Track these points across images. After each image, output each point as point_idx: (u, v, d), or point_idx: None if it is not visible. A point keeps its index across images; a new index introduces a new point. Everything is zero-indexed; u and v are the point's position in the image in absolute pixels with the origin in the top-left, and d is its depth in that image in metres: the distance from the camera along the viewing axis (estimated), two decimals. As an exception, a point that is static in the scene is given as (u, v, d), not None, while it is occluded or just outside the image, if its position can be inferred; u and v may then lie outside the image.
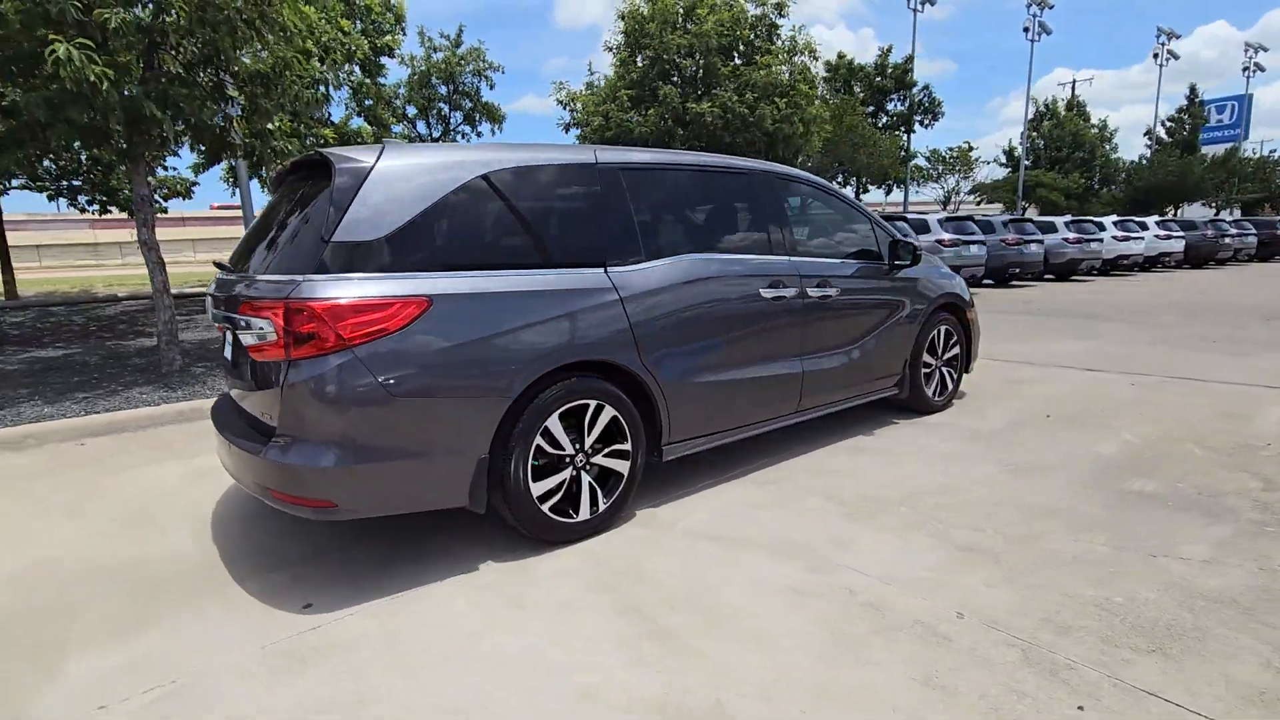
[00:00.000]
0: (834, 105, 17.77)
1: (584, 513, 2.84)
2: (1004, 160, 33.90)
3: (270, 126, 7.42)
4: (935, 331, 4.55)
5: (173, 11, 5.73)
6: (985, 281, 15.79)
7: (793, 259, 3.63)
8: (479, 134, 18.12)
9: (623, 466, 2.95)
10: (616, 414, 2.89)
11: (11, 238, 14.86)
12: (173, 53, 5.95)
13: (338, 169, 2.43)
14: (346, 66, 14.17)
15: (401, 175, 2.49)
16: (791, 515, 3.06)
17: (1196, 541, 2.67)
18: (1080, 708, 1.77)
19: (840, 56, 24.69)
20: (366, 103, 14.96)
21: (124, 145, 6.14)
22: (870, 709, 1.81)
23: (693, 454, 3.34)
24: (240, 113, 7.02)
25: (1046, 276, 17.76)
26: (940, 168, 29.35)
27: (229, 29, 6.01)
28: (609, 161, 3.04)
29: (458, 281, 2.49)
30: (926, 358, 4.52)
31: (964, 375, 4.94)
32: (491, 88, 17.10)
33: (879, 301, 4.13)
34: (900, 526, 2.90)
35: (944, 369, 4.70)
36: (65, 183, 10.85)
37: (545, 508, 2.72)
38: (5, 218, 13.25)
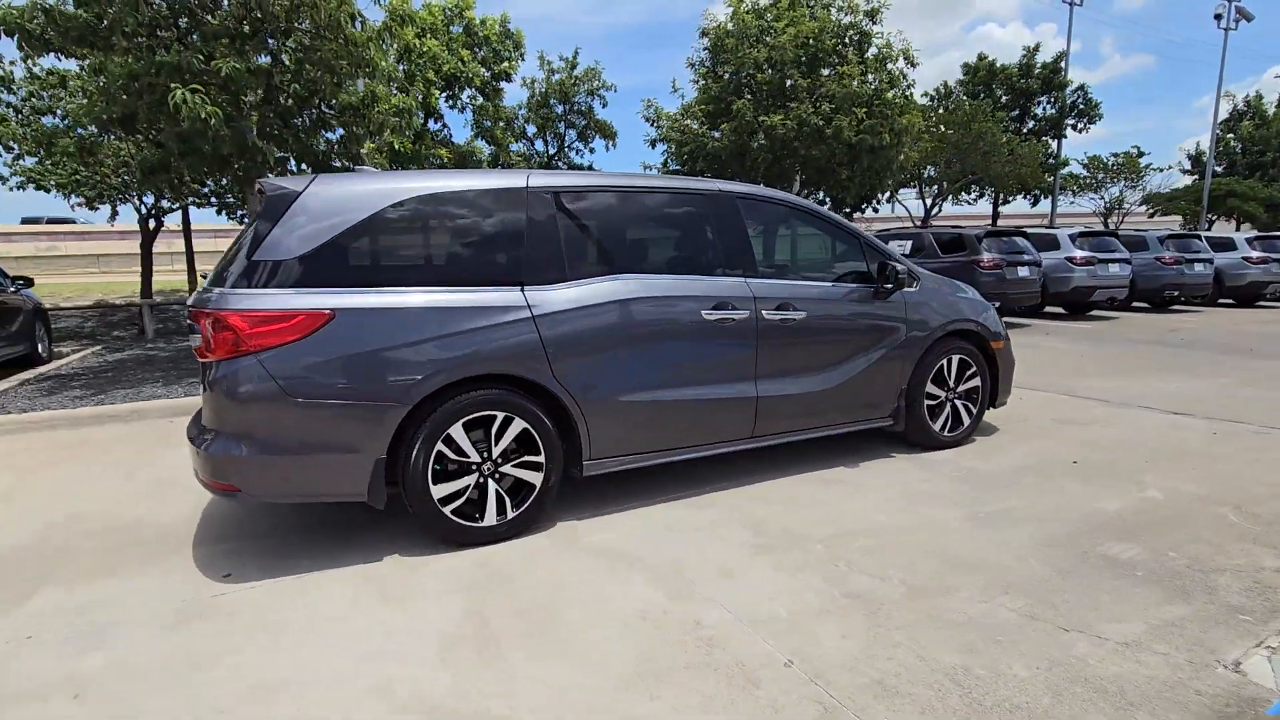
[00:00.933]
0: (955, 112, 16.49)
1: (490, 519, 2.98)
2: (1188, 166, 29.51)
3: (363, 149, 8.30)
4: (944, 361, 4.19)
5: (283, 58, 6.66)
6: (1135, 304, 13.96)
7: (748, 280, 3.55)
8: (592, 150, 18.89)
9: (535, 478, 3.06)
10: (527, 426, 3.01)
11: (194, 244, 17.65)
12: (282, 93, 6.90)
13: (268, 197, 2.78)
14: (469, 91, 15.45)
15: (323, 202, 2.79)
16: (701, 541, 3.00)
17: (1132, 620, 2.30)
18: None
19: (981, 58, 22.83)
20: (485, 124, 16.13)
21: (240, 172, 7.20)
22: (619, 741, 1.79)
23: (633, 470, 3.39)
24: (338, 138, 7.95)
25: (1223, 301, 15.33)
26: (1101, 176, 26.12)
27: (328, 71, 6.86)
28: (540, 185, 3.17)
29: (363, 297, 2.75)
30: (932, 389, 4.17)
31: (988, 409, 4.49)
32: (604, 105, 17.70)
33: (860, 326, 3.89)
34: (800, 565, 2.75)
35: (958, 402, 4.31)
36: (228, 198, 12.81)
37: (448, 510, 2.90)
38: (192, 228, 15.80)
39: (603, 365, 3.14)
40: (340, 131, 7.86)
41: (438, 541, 2.97)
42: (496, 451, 2.97)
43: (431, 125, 15.06)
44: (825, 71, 9.14)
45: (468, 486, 2.93)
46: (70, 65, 7.59)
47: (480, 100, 15.76)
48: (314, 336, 2.65)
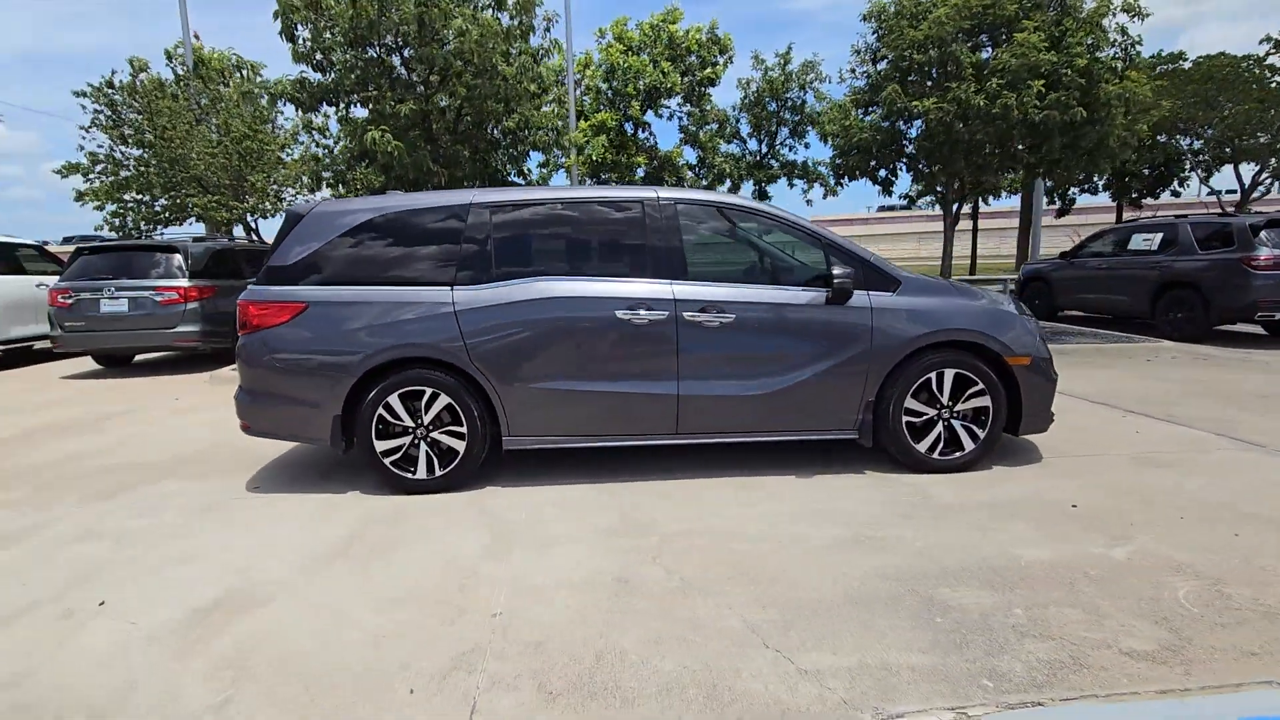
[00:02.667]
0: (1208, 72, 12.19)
1: (421, 473, 3.71)
2: None
3: (534, 164, 9.65)
4: (931, 376, 3.77)
5: (455, 96, 8.21)
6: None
7: (673, 282, 3.70)
8: (806, 145, 18.52)
9: (460, 445, 3.70)
10: (451, 402, 3.66)
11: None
12: (449, 126, 8.49)
13: (286, 217, 3.84)
14: (675, 99, 16.39)
15: (316, 221, 3.76)
16: (565, 518, 3.35)
17: (849, 654, 2.14)
18: None
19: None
20: (691, 129, 16.92)
21: (438, 188, 8.98)
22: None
23: (594, 450, 3.84)
24: (508, 157, 9.40)
25: None
26: None
27: (492, 104, 8.26)
28: (481, 201, 3.78)
29: (328, 292, 3.66)
30: (913, 404, 3.79)
31: (1006, 436, 3.88)
32: (820, 100, 17.23)
33: (805, 331, 3.72)
34: (615, 550, 2.97)
35: (957, 423, 3.83)
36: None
37: (387, 461, 3.69)
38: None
39: (516, 355, 3.64)
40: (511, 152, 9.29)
41: (382, 486, 3.79)
42: (426, 420, 3.68)
43: (640, 135, 16.36)
44: (1003, 43, 7.91)
45: (403, 445, 3.69)
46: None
47: (688, 107, 16.61)
48: (294, 320, 3.63)
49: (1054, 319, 11.60)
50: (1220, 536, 2.93)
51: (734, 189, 19.45)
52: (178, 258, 8.40)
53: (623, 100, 14.51)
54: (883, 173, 9.46)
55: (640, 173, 15.59)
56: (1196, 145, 18.21)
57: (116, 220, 11.73)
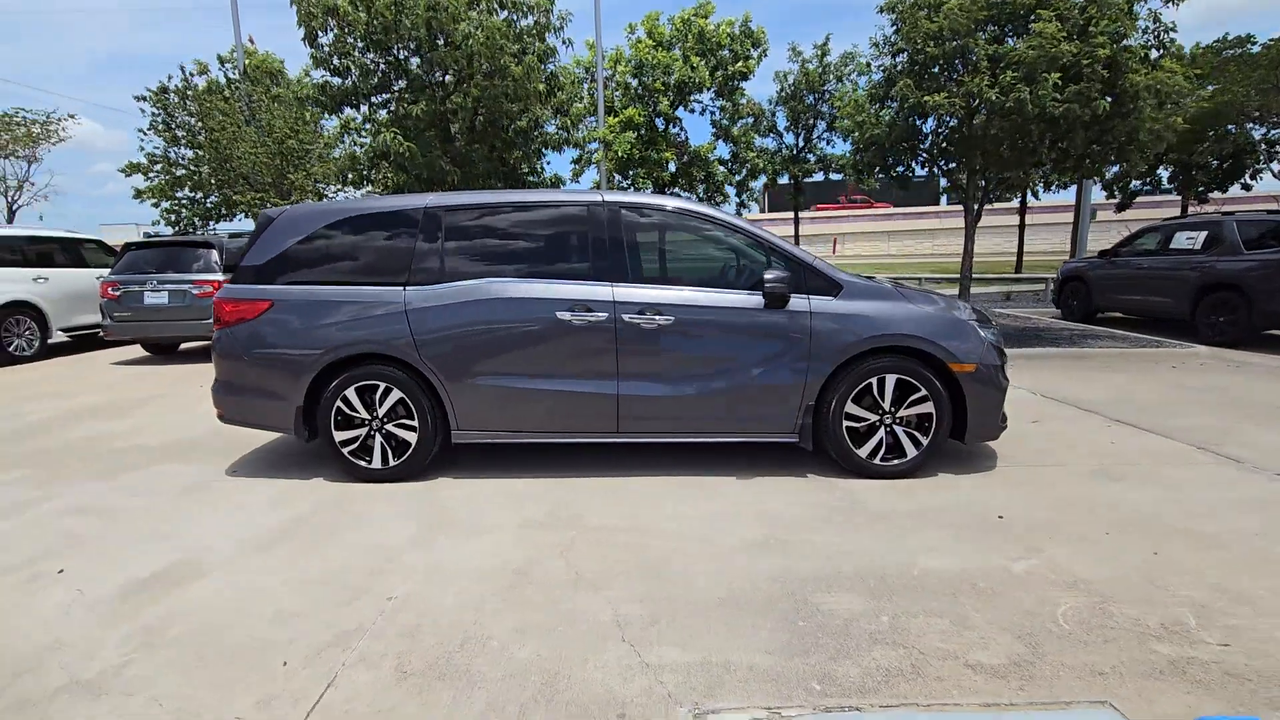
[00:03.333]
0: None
1: (376, 463, 3.94)
2: None
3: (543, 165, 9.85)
4: (873, 381, 3.76)
5: (469, 96, 8.47)
6: None
7: (614, 284, 3.80)
8: (844, 139, 18.14)
9: (411, 437, 3.92)
10: (403, 396, 3.87)
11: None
12: (463, 125, 8.75)
13: (259, 220, 4.12)
14: (708, 94, 16.30)
15: (287, 223, 4.03)
16: (497, 510, 3.51)
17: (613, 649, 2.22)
18: None
19: None
20: (724, 123, 16.79)
21: (450, 187, 9.28)
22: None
23: (550, 446, 4.00)
24: (523, 155, 9.61)
25: None
26: None
27: (510, 100, 8.49)
28: (434, 205, 3.96)
29: (292, 291, 3.91)
30: (856, 410, 3.78)
31: (943, 442, 3.82)
32: (840, 95, 16.84)
33: (743, 334, 3.76)
34: (530, 542, 3.11)
35: (899, 429, 3.80)
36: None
37: (346, 451, 3.94)
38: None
39: (462, 353, 3.82)
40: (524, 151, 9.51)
41: (341, 474, 4.04)
42: (381, 413, 3.91)
43: (672, 130, 16.36)
44: (1023, 34, 7.58)
45: (359, 436, 3.93)
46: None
47: (720, 101, 16.50)
48: (261, 317, 3.91)
49: (1092, 321, 11.10)
50: (1137, 554, 2.85)
51: (770, 184, 19.24)
52: (214, 253, 8.97)
53: (651, 96, 14.55)
54: (899, 169, 9.23)
55: (671, 168, 15.61)
56: (1273, 135, 16.96)
57: (171, 216, 12.55)
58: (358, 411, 3.90)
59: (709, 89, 15.67)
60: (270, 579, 2.83)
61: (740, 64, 15.61)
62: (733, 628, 2.37)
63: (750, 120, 17.64)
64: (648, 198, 4.04)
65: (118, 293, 8.86)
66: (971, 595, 2.54)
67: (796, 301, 3.77)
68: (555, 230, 3.95)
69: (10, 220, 21.04)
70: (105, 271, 10.33)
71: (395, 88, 8.52)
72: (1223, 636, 2.24)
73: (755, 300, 3.77)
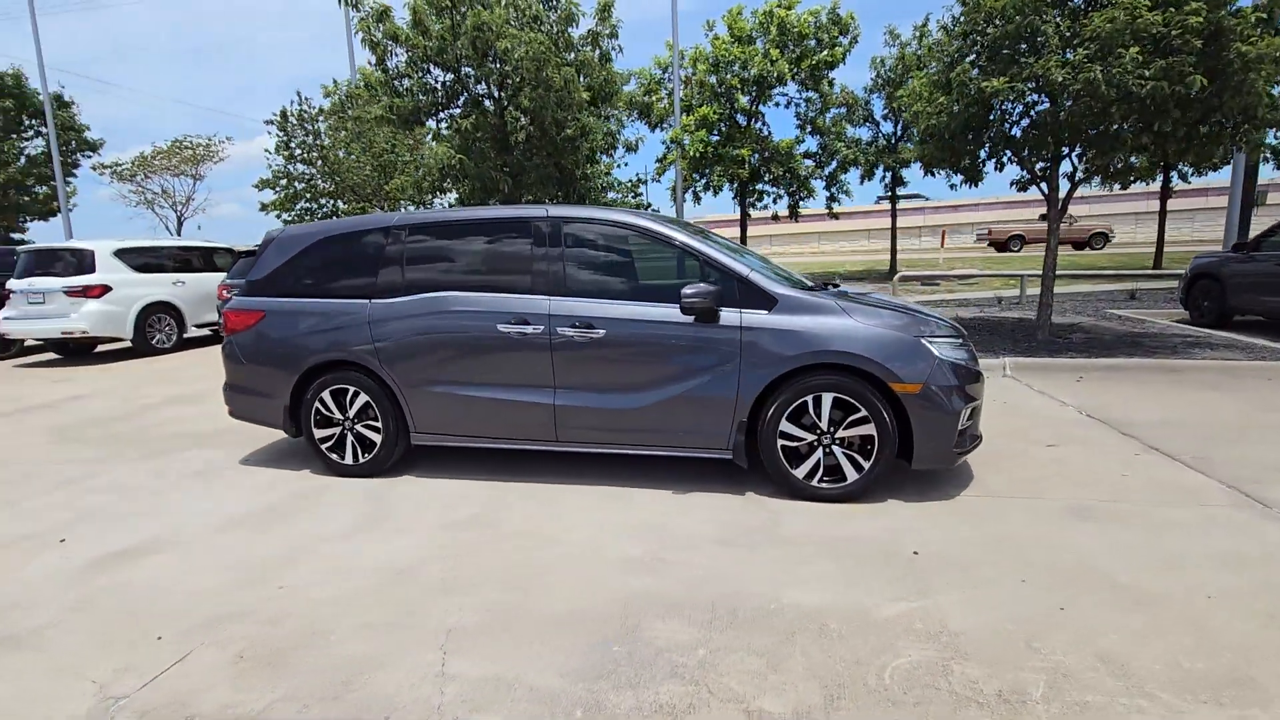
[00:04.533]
0: None
1: (349, 459, 4.32)
2: None
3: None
4: (809, 399, 3.57)
5: (520, 108, 8.86)
6: None
7: (551, 298, 3.88)
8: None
9: (377, 437, 4.25)
10: (369, 400, 4.21)
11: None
12: (522, 136, 9.14)
13: (264, 239, 4.62)
14: (792, 86, 15.77)
15: (284, 241, 4.49)
16: (430, 511, 3.73)
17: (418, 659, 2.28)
18: None
19: None
20: (810, 115, 16.14)
21: (515, 197, 9.71)
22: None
23: (452, 447, 4.23)
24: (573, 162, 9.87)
25: None
26: None
27: (559, 109, 8.80)
28: (400, 222, 4.25)
29: (281, 303, 4.36)
30: (792, 429, 3.62)
31: (884, 466, 3.55)
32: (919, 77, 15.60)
33: (673, 348, 3.70)
34: (433, 542, 3.30)
35: (838, 451, 3.60)
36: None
37: (324, 447, 4.35)
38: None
39: (415, 361, 4.08)
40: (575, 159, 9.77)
41: (322, 469, 4.46)
42: (351, 414, 4.27)
43: (755, 125, 15.99)
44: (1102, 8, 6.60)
45: (334, 434, 4.32)
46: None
47: (806, 93, 15.92)
48: (256, 326, 4.40)
49: (1225, 325, 9.59)
50: (1039, 607, 2.54)
51: (865, 176, 18.29)
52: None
53: (728, 92, 14.31)
54: (969, 162, 8.45)
55: (751, 164, 15.29)
56: None
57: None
58: (333, 412, 4.29)
59: (791, 81, 15.14)
60: (210, 558, 3.22)
61: (826, 53, 14.93)
62: (550, 645, 2.41)
63: (843, 110, 16.84)
64: (591, 211, 4.09)
65: (229, 295, 10.17)
66: (811, 636, 2.40)
67: (729, 315, 3.67)
68: (503, 245, 4.10)
69: (179, 231, 24.74)
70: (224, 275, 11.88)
71: (458, 104, 9.08)
72: (1059, 714, 1.97)
73: (690, 314, 3.71)
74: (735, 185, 16.04)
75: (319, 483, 4.26)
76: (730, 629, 2.47)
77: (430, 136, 9.90)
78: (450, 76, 8.97)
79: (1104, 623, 2.43)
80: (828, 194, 17.11)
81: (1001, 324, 10.18)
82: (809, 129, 16.21)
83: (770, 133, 15.97)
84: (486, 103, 9.04)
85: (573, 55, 8.80)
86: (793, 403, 3.60)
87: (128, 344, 10.50)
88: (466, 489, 4.05)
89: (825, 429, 3.60)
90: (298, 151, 13.53)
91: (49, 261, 10.26)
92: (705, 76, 14.55)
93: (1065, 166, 8.20)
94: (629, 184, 16.06)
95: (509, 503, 3.81)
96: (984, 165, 8.47)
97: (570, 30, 8.89)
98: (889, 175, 17.37)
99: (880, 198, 19.67)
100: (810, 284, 4.13)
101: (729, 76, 14.26)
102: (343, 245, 4.37)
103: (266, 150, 14.22)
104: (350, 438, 4.30)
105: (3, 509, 4.01)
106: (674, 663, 2.28)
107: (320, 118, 13.56)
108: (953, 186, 9.11)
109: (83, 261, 10.20)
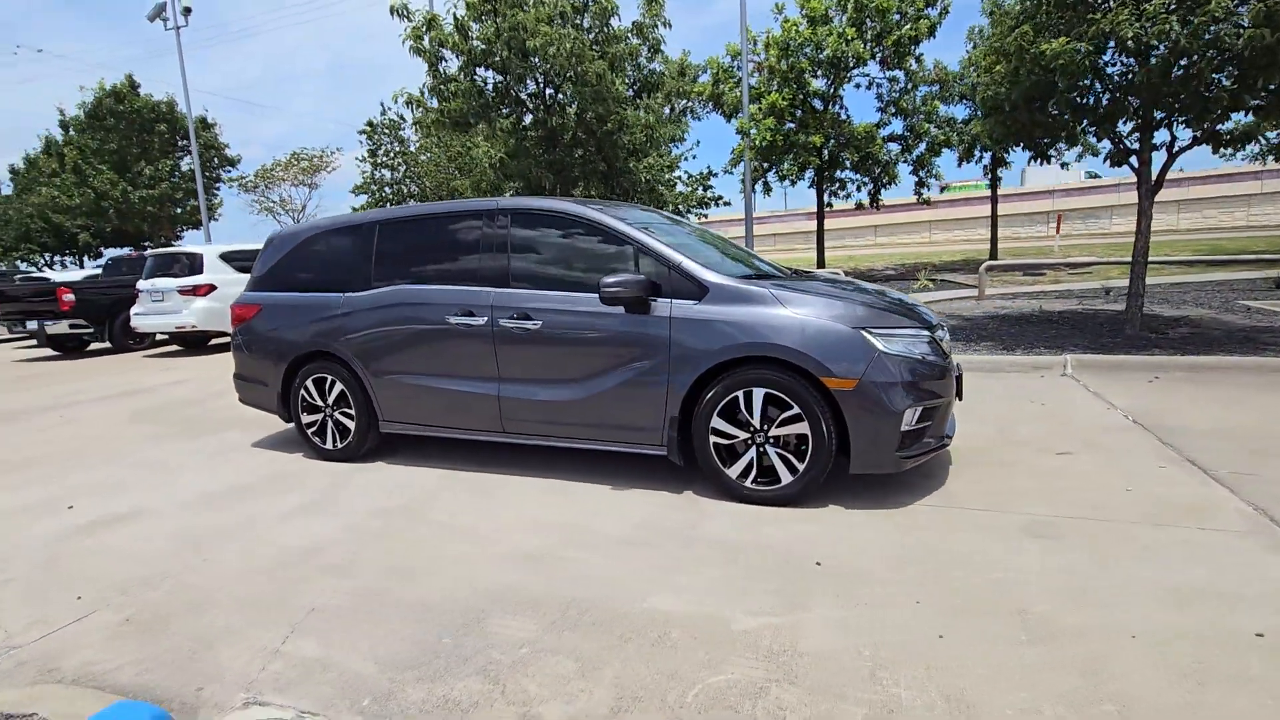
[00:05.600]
0: None
1: (329, 444, 4.58)
2: None
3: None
4: (739, 394, 3.36)
5: (562, 106, 8.99)
6: None
7: (495, 289, 3.90)
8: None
9: (351, 425, 4.48)
10: (344, 389, 4.44)
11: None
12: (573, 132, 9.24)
13: (268, 237, 4.98)
14: (873, 67, 14.84)
15: (281, 239, 4.82)
16: (375, 496, 3.87)
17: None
18: None
19: None
20: (893, 95, 15.10)
21: (557, 192, 9.89)
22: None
23: (416, 436, 4.37)
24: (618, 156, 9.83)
25: None
26: None
27: (595, 103, 8.87)
28: (372, 220, 4.44)
29: (274, 296, 4.69)
30: (724, 426, 3.42)
31: (821, 469, 3.25)
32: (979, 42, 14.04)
33: (603, 340, 3.59)
34: (351, 529, 3.42)
35: (771, 450, 3.35)
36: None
37: (309, 432, 4.64)
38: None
39: (378, 352, 4.25)
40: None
41: (313, 453, 4.75)
42: (330, 402, 4.52)
43: (833, 109, 15.22)
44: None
45: (317, 420, 4.59)
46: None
47: (889, 72, 14.96)
48: (254, 318, 4.76)
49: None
50: (916, 635, 2.23)
51: (964, 158, 16.90)
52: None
53: (799, 77, 13.65)
54: (1044, 139, 7.49)
55: (825, 152, 14.57)
56: None
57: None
58: (316, 400, 4.57)
59: (871, 60, 14.23)
60: (167, 529, 3.53)
61: (910, 27, 13.88)
62: (389, 632, 2.43)
63: (935, 88, 15.65)
64: (536, 202, 4.05)
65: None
66: (645, 644, 2.26)
67: (659, 306, 3.52)
68: (459, 238, 4.17)
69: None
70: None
71: (505, 105, 9.35)
72: (853, 753, 1.72)
73: (617, 305, 3.60)
74: (811, 174, 15.35)
75: (300, 466, 4.55)
76: (570, 630, 2.38)
77: (483, 138, 10.31)
78: (498, 78, 9.25)
79: (980, 656, 2.10)
80: (915, 179, 15.96)
81: (1094, 317, 9.08)
82: (892, 111, 15.17)
83: (849, 116, 15.11)
84: (531, 102, 9.24)
85: (612, 48, 8.77)
86: (724, 398, 3.40)
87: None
88: (420, 477, 4.17)
89: (758, 427, 3.36)
90: (383, 158, 14.56)
91: (168, 264, 11.66)
92: (775, 61, 13.98)
93: (1162, 135, 7.15)
94: (699, 177, 15.85)
95: (450, 492, 3.88)
96: (1057, 140, 7.56)
97: (612, 23, 8.88)
98: (988, 156, 15.91)
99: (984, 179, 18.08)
100: (754, 272, 3.88)
101: (800, 60, 13.61)
102: (324, 242, 4.64)
103: (358, 158, 15.40)
104: (330, 424, 4.55)
105: (52, 478, 4.60)
106: (490, 660, 2.23)
107: (403, 125, 14.49)
108: (1041, 160, 8.19)
109: (193, 264, 11.50)
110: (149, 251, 12.47)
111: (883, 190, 15.86)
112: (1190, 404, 4.87)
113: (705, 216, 16.61)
